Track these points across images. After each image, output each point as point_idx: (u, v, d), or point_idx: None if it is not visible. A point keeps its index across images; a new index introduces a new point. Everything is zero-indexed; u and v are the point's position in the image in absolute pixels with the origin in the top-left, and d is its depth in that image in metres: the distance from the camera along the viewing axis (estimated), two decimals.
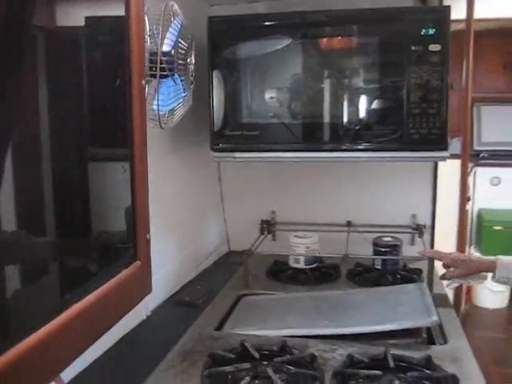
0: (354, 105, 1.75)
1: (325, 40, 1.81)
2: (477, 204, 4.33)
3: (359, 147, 1.74)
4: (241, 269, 2.00)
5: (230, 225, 2.40)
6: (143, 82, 0.74)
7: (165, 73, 0.99)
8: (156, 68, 0.97)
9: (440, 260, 1.66)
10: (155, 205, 1.71)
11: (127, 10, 0.75)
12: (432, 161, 2.01)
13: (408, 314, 1.50)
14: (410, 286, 1.75)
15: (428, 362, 1.29)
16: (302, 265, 1.99)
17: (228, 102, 1.81)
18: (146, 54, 0.93)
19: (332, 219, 2.26)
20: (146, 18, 0.94)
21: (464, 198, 3.43)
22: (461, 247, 2.98)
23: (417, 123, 1.64)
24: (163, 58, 0.99)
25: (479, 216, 4.33)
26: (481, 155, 4.53)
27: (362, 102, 1.74)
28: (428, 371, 1.27)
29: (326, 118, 1.77)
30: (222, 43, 1.79)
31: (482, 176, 4.33)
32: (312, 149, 1.79)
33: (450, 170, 2.20)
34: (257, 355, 1.32)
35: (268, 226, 2.28)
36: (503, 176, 4.40)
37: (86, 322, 0.68)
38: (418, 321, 1.47)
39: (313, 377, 1.24)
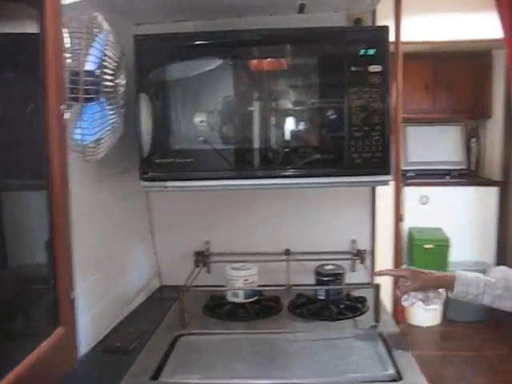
0: (290, 129, 1.66)
1: (257, 61, 1.72)
2: (407, 223, 4.37)
3: (297, 173, 1.65)
4: (175, 306, 1.84)
5: (161, 257, 2.24)
6: (62, 107, 0.61)
7: (89, 96, 0.85)
8: (78, 90, 0.82)
9: (398, 275, 1.58)
10: (78, 241, 1.57)
11: (42, 19, 0.61)
12: (375, 185, 1.96)
13: (361, 366, 1.43)
14: (360, 332, 1.67)
15: None
16: (241, 299, 1.87)
17: (157, 127, 1.67)
18: (66, 74, 0.79)
19: (270, 248, 2.15)
20: (67, 32, 0.79)
21: (398, 218, 3.44)
22: (397, 267, 2.97)
23: (359, 147, 1.57)
24: (87, 79, 0.84)
25: (410, 235, 4.38)
26: (408, 174, 4.60)
27: (300, 126, 1.65)
28: None
29: (260, 144, 1.66)
30: (149, 64, 1.66)
31: (411, 195, 4.39)
32: (246, 176, 1.68)
33: (380, 191, 2.15)
34: None
35: (202, 258, 2.14)
36: (431, 195, 4.49)
37: None
38: (373, 374, 1.39)
39: None
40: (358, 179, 1.63)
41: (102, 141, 0.91)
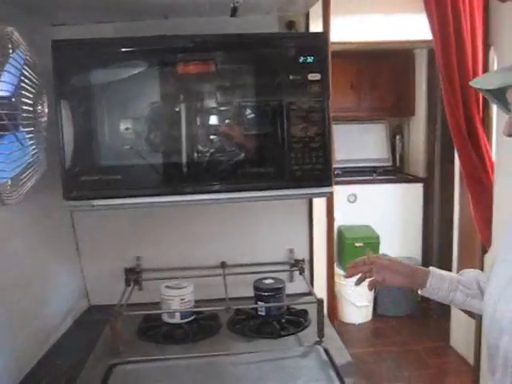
0: (222, 141, 1.56)
1: (184, 67, 1.60)
2: (336, 222, 4.39)
3: (232, 188, 1.56)
4: (107, 330, 1.71)
5: (88, 276, 2.08)
6: None
7: (5, 132, 0.71)
8: None
9: (366, 268, 1.40)
10: None
11: None
12: (316, 197, 1.89)
13: None
14: (306, 350, 1.61)
15: None
16: (177, 319, 1.76)
17: (81, 140, 1.52)
18: None
19: (205, 261, 2.05)
20: None
21: (331, 219, 3.43)
22: (330, 265, 2.95)
23: (299, 159, 1.50)
24: (1, 107, 0.70)
25: (340, 233, 4.40)
26: (336, 172, 4.62)
27: (233, 138, 1.56)
28: None
29: (189, 154, 1.55)
30: (69, 70, 1.51)
31: (339, 194, 4.39)
32: (175, 192, 1.57)
33: None
34: None
35: (133, 275, 2.01)
36: (358, 193, 4.53)
37: None
38: None
39: None
40: (298, 191, 1.56)
41: (23, 180, 0.77)
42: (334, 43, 3.05)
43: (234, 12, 1.60)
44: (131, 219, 1.97)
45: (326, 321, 1.75)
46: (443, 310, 3.96)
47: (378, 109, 4.76)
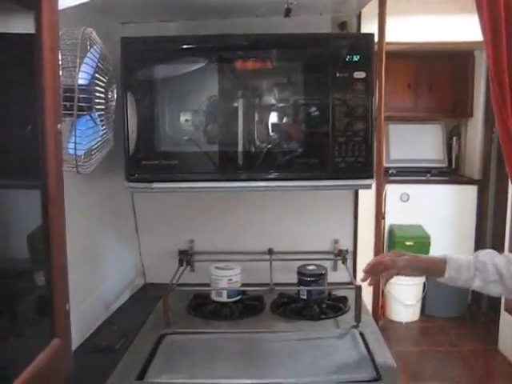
0: (276, 132, 1.68)
1: (242, 63, 1.73)
2: (388, 220, 4.43)
3: (282, 176, 1.68)
4: (159, 305, 1.86)
5: (145, 256, 2.25)
6: (59, 126, 0.62)
7: (82, 110, 0.85)
8: (71, 105, 0.83)
9: (384, 262, 1.41)
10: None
11: (39, 33, 0.61)
12: (357, 188, 1.99)
13: (342, 366, 1.47)
14: (342, 332, 1.70)
15: None
16: (224, 298, 1.89)
17: (144, 128, 1.68)
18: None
19: (253, 247, 2.18)
20: (60, 48, 0.80)
21: (380, 215, 3.48)
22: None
23: (342, 152, 1.60)
24: (80, 95, 0.85)
25: (391, 232, 4.44)
26: (390, 172, 4.66)
27: (285, 130, 1.68)
28: None
29: (244, 145, 1.68)
30: (135, 64, 1.67)
31: (392, 193, 4.44)
32: (230, 178, 1.70)
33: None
34: None
35: (186, 257, 2.15)
36: (411, 192, 4.55)
37: None
38: (354, 375, 1.42)
39: None
40: (341, 183, 1.66)
41: (94, 154, 0.91)
42: (390, 43, 3.11)
43: (287, 13, 1.71)
44: (186, 204, 2.13)
45: (365, 307, 1.84)
46: (492, 313, 3.94)
47: (435, 109, 4.75)
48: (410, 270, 1.41)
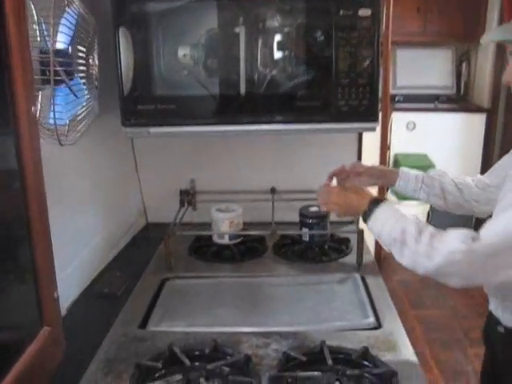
0: (275, 72, 1.61)
1: None
2: (392, 149, 4.37)
3: (282, 119, 1.62)
4: (161, 248, 1.86)
5: (146, 195, 2.24)
6: (33, 108, 0.57)
7: (60, 77, 0.79)
8: (49, 72, 0.76)
9: (340, 173, 1.56)
10: (58, 186, 1.55)
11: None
12: (361, 131, 1.94)
13: (343, 313, 1.48)
14: (343, 277, 1.69)
15: (365, 355, 1.24)
16: (226, 240, 1.89)
17: (138, 70, 1.61)
18: (35, 53, 0.73)
19: (255, 186, 2.15)
20: (33, 9, 0.73)
21: (385, 147, 3.44)
22: (381, 191, 3.00)
23: (346, 94, 1.53)
24: (57, 59, 0.78)
25: (395, 161, 4.39)
26: (396, 99, 4.55)
27: (286, 70, 1.60)
28: (366, 363, 1.23)
29: (244, 87, 1.61)
30: None
31: (398, 121, 4.35)
32: (231, 122, 1.65)
33: None
34: (187, 362, 1.22)
35: (188, 197, 2.13)
36: (418, 120, 4.46)
37: None
38: (354, 321, 1.43)
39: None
40: (344, 126, 1.61)
41: (77, 123, 0.85)
42: None
43: None
44: (187, 144, 2.07)
45: (367, 249, 1.83)
46: None
47: (446, 34, 4.56)
48: (367, 175, 1.57)
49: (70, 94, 0.80)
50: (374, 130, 1.63)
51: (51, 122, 0.78)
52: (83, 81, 0.81)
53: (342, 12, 1.47)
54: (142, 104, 1.59)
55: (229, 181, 2.16)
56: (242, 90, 1.62)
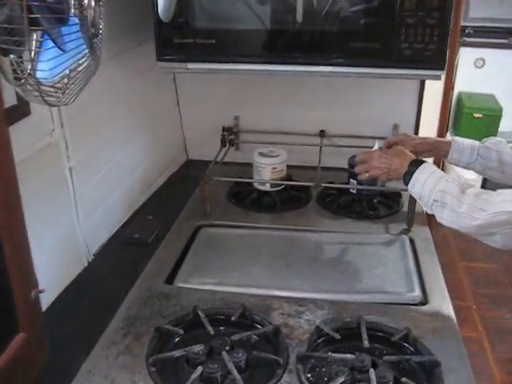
0: (333, 8, 1.41)
1: None
2: (457, 87, 4.06)
3: (338, 61, 1.44)
4: (199, 189, 1.75)
5: (187, 131, 2.11)
6: None
7: (38, 26, 0.61)
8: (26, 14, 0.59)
9: (390, 142, 1.45)
10: (95, 120, 1.45)
11: None
12: (424, 79, 1.73)
13: (387, 282, 1.35)
14: (391, 238, 1.56)
15: (407, 337, 1.13)
16: (267, 187, 1.76)
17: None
18: None
19: (303, 128, 1.99)
20: None
21: (449, 84, 3.15)
22: (440, 133, 2.78)
23: (410, 36, 1.33)
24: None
25: (459, 100, 4.08)
26: (466, 31, 4.17)
27: (344, 6, 1.40)
28: (407, 345, 1.12)
29: (299, 22, 1.43)
30: None
31: (466, 57, 4.01)
32: (281, 61, 1.48)
33: None
34: (211, 331, 1.13)
35: (230, 136, 2.00)
36: (488, 57, 4.09)
37: None
38: (398, 295, 1.31)
39: (275, 362, 1.06)
40: (406, 72, 1.42)
41: (69, 80, 0.71)
42: None
43: None
44: (232, 79, 1.91)
45: (418, 207, 1.67)
46: None
47: None
48: (420, 147, 1.43)
49: (51, 48, 0.66)
50: (439, 78, 1.44)
51: (36, 77, 0.64)
52: (74, 26, 0.67)
53: None
54: (180, 37, 1.43)
55: (275, 120, 2.00)
56: (297, 22, 1.43)
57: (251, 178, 1.76)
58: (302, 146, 1.94)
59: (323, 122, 2.00)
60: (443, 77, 2.57)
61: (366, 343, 1.10)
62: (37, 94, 0.67)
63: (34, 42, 0.64)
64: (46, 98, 0.68)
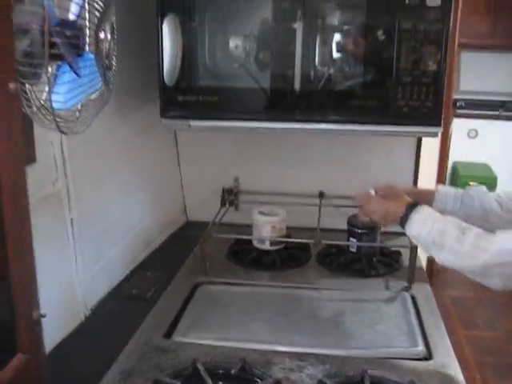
0: (332, 67, 1.47)
1: None
2: (452, 157, 4.14)
3: (337, 118, 1.48)
4: (197, 249, 1.75)
5: (187, 193, 2.13)
6: (11, 85, 0.46)
7: (57, 52, 0.66)
8: (49, 47, 0.63)
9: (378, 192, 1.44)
10: (98, 175, 1.47)
11: None
12: (422, 136, 1.77)
13: (389, 338, 1.33)
14: (392, 296, 1.55)
15: None
16: (266, 246, 1.76)
17: (181, 57, 1.50)
18: (36, 23, 0.61)
19: (302, 189, 2.01)
20: None
21: (444, 152, 3.23)
22: None
23: (407, 94, 1.38)
24: (60, 30, 0.65)
25: (454, 169, 4.16)
26: (458, 104, 4.31)
27: (343, 65, 1.46)
28: None
29: (297, 76, 1.49)
30: None
31: (459, 128, 4.12)
32: (281, 118, 1.52)
33: None
34: (210, 383, 1.10)
35: (230, 197, 2.01)
36: (480, 129, 4.21)
37: None
38: (401, 350, 1.28)
39: None
40: (403, 129, 1.46)
41: (84, 109, 0.74)
42: None
43: None
44: (232, 138, 1.95)
45: (419, 261, 1.66)
46: None
47: None
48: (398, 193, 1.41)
49: (69, 75, 0.68)
50: (436, 135, 1.47)
51: (53, 105, 0.67)
52: (89, 58, 0.70)
53: (407, 1, 1.32)
54: (183, 95, 1.48)
55: (274, 181, 2.02)
56: (296, 86, 1.49)
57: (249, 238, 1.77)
58: (301, 208, 1.95)
59: (322, 182, 2.02)
60: (437, 141, 2.64)
61: None
62: (48, 121, 0.69)
63: (50, 74, 0.66)
64: (59, 125, 0.70)
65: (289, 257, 1.77)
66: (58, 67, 0.68)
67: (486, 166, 4.14)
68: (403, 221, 1.26)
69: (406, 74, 1.37)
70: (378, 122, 1.45)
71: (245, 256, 1.76)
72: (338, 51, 1.49)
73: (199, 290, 1.57)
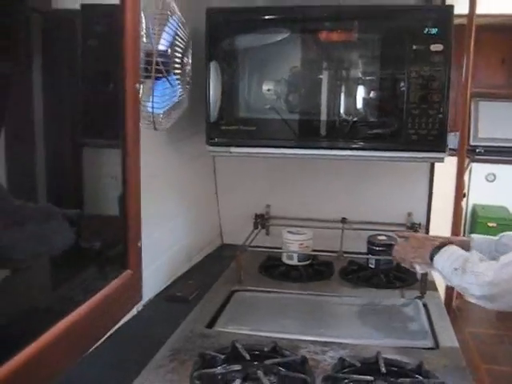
0: (352, 101, 1.72)
1: (326, 33, 1.77)
2: (471, 200, 4.33)
3: (356, 146, 1.72)
4: (233, 263, 1.97)
5: (223, 218, 2.37)
6: (137, 85, 0.71)
7: (160, 74, 0.95)
8: (151, 69, 0.93)
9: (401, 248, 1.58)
10: (147, 194, 1.71)
11: (122, 3, 0.70)
12: (429, 161, 2.00)
13: (402, 333, 1.52)
14: (406, 302, 1.75)
15: (420, 368, 1.28)
16: (295, 261, 1.98)
17: (225, 95, 1.78)
18: (142, 54, 0.89)
19: (326, 215, 2.24)
20: (143, 16, 0.90)
21: (460, 194, 3.43)
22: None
23: (416, 124, 1.62)
24: (159, 59, 0.94)
25: (473, 212, 4.34)
26: (477, 150, 4.53)
27: (361, 100, 1.71)
28: (420, 377, 1.27)
29: (323, 114, 1.74)
30: (220, 35, 1.76)
31: (478, 172, 4.33)
32: (308, 146, 1.77)
33: (445, 165, 2.18)
34: (247, 356, 1.31)
35: (262, 221, 2.25)
36: (498, 172, 4.40)
37: (76, 334, 0.66)
38: (412, 341, 1.47)
39: (303, 380, 1.23)
40: (413, 155, 1.69)
41: (170, 113, 1.01)
42: (482, 16, 3.01)
43: None
44: (264, 170, 2.21)
45: (432, 279, 1.86)
46: None
47: None
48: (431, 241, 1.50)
49: (167, 88, 0.96)
50: (442, 160, 1.69)
51: (149, 110, 0.93)
52: (177, 77, 0.97)
53: (415, 47, 1.58)
54: (226, 125, 1.75)
55: (301, 208, 2.26)
56: (324, 118, 1.73)
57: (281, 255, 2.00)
58: (325, 232, 2.16)
59: (344, 209, 2.25)
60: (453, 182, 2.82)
61: (383, 370, 1.26)
62: (148, 121, 0.96)
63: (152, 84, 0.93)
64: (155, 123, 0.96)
65: (314, 272, 1.98)
66: (154, 83, 0.95)
67: (504, 208, 4.31)
68: (432, 255, 1.39)
69: (414, 107, 1.61)
70: (392, 149, 1.69)
71: (275, 270, 1.99)
72: (360, 103, 1.72)
73: (235, 295, 1.79)
